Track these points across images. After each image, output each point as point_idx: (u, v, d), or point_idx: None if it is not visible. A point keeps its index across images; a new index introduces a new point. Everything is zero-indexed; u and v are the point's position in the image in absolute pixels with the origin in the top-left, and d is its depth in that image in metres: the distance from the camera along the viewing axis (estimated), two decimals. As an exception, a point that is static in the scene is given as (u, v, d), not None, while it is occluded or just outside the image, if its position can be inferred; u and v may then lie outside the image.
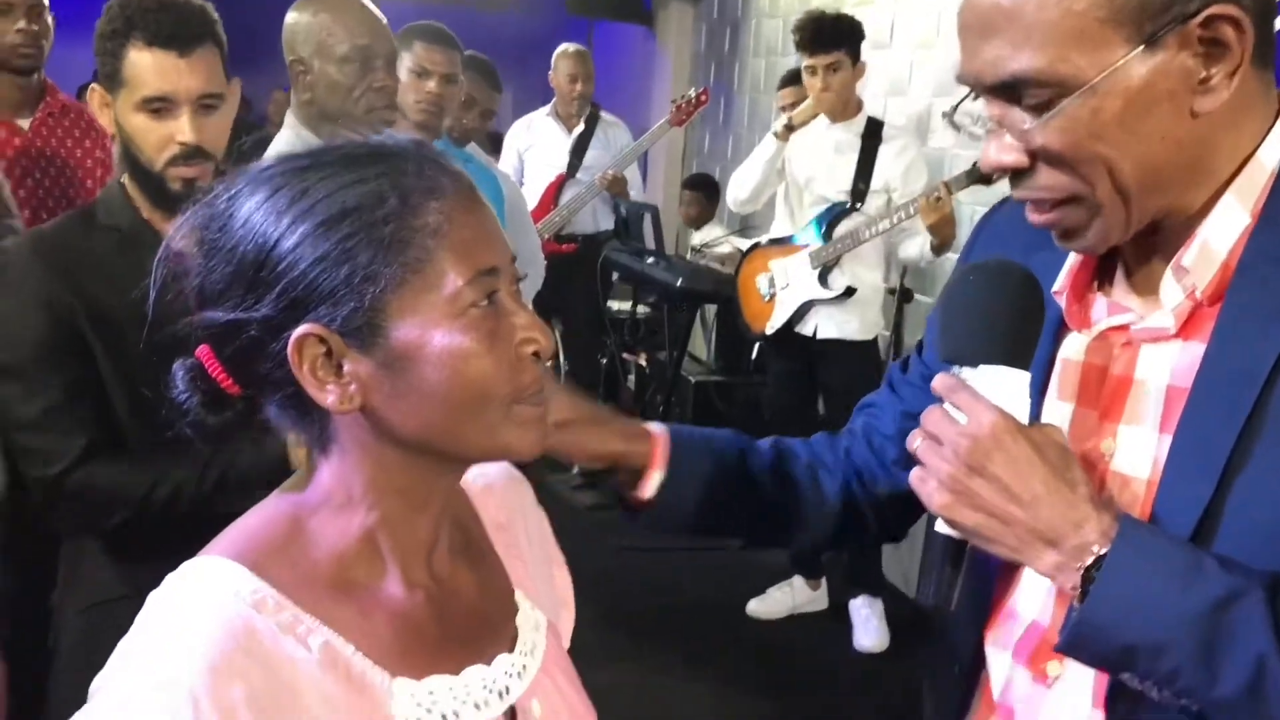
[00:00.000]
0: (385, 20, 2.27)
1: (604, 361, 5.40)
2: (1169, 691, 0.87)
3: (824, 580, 3.94)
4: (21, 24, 2.70)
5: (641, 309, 5.49)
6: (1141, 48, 0.88)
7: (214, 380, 0.85)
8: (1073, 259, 1.04)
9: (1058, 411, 1.04)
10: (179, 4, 1.67)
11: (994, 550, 0.91)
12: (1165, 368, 0.97)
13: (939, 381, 0.94)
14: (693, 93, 4.99)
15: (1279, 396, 0.88)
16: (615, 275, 5.09)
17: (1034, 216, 0.98)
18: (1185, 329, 0.96)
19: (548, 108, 5.20)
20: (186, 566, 0.81)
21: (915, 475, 0.93)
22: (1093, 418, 1.02)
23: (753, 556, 4.41)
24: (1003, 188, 1.03)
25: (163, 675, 0.73)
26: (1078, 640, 0.89)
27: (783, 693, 3.44)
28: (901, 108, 4.38)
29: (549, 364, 0.89)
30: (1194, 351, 0.95)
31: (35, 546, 2.26)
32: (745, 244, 5.00)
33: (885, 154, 3.62)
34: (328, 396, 0.81)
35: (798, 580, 3.94)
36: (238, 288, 0.81)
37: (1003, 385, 0.93)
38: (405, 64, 2.67)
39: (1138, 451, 0.97)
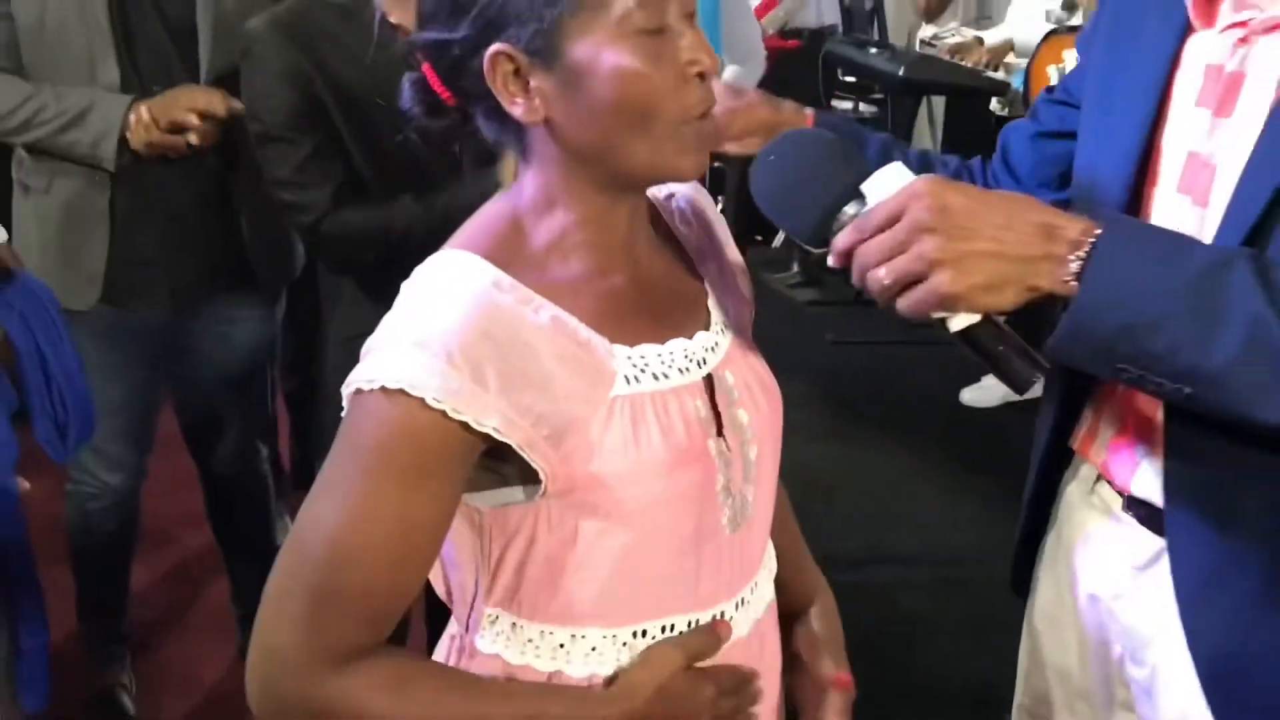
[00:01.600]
0: None
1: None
2: (1167, 376, 0.86)
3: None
4: None
5: (865, 106, 5.38)
6: None
7: (433, 91, 0.98)
8: None
9: (1187, 116, 1.04)
10: None
11: (1006, 296, 0.87)
12: (1277, 58, 0.95)
13: (840, 241, 0.90)
14: None
15: None
16: (839, 71, 5.00)
17: None
18: None
19: None
20: (432, 259, 0.96)
21: (904, 300, 0.87)
22: (1207, 116, 1.02)
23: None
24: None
25: (422, 335, 0.88)
26: (1076, 329, 0.87)
27: (992, 474, 3.48)
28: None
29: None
30: None
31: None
32: (978, 34, 4.80)
33: None
34: (516, 108, 0.92)
35: (1014, 371, 3.92)
36: (444, 11, 0.93)
37: (890, 184, 0.89)
38: None
39: (1242, 146, 0.97)
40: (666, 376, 0.97)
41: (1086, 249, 0.87)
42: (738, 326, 1.08)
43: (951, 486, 3.45)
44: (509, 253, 0.95)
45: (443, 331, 0.88)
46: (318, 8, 1.86)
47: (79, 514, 2.33)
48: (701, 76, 0.92)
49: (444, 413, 0.86)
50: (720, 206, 5.22)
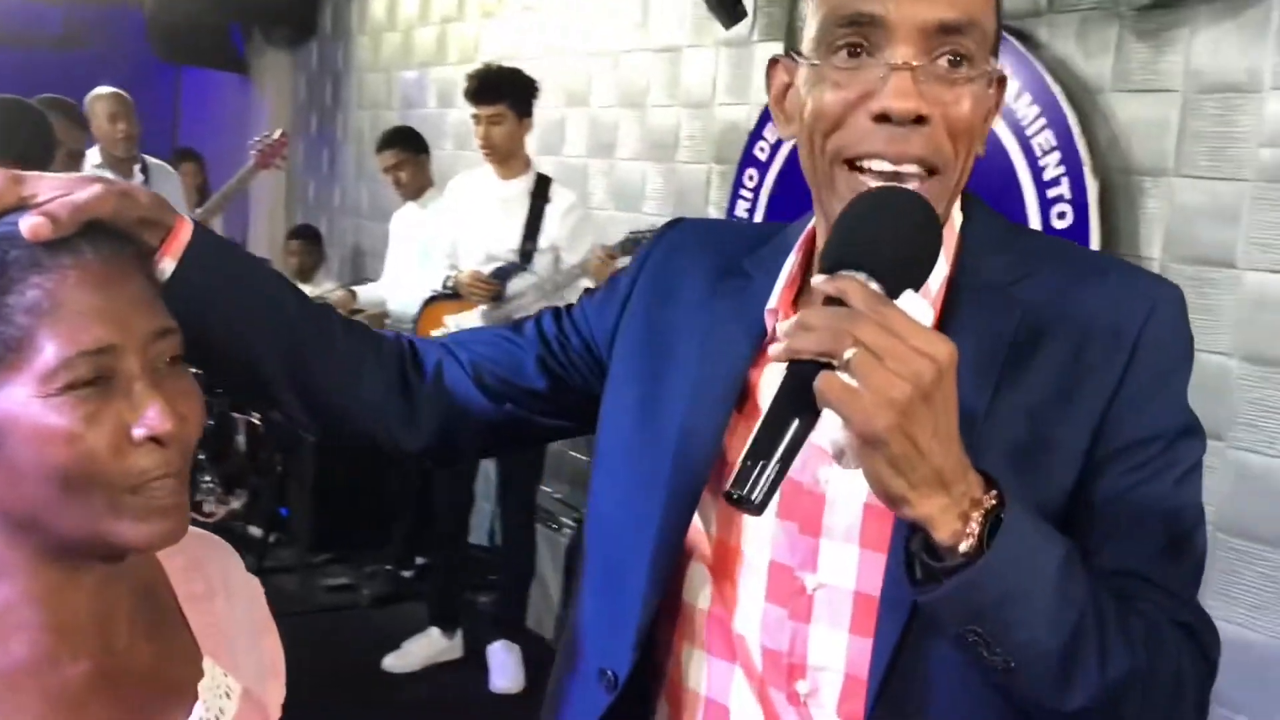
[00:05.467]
0: None
1: (210, 422, 5.08)
2: (1001, 647, 0.87)
3: (459, 630, 3.92)
4: None
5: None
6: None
7: None
8: (784, 278, 1.05)
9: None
10: None
11: (888, 485, 0.83)
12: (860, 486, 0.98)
13: (850, 285, 0.83)
14: (274, 134, 4.70)
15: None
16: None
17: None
18: None
19: (94, 152, 4.43)
20: None
21: (837, 389, 0.80)
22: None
23: (384, 614, 4.31)
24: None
25: None
26: (970, 584, 0.84)
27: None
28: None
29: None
30: None
31: None
32: (359, 291, 4.90)
33: (551, 213, 3.68)
34: None
35: (434, 630, 3.89)
36: None
37: (916, 314, 0.84)
38: None
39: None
40: None
41: (988, 508, 0.85)
42: (245, 708, 0.94)
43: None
44: None
45: None
46: None
47: None
48: (156, 441, 0.78)
49: None
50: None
